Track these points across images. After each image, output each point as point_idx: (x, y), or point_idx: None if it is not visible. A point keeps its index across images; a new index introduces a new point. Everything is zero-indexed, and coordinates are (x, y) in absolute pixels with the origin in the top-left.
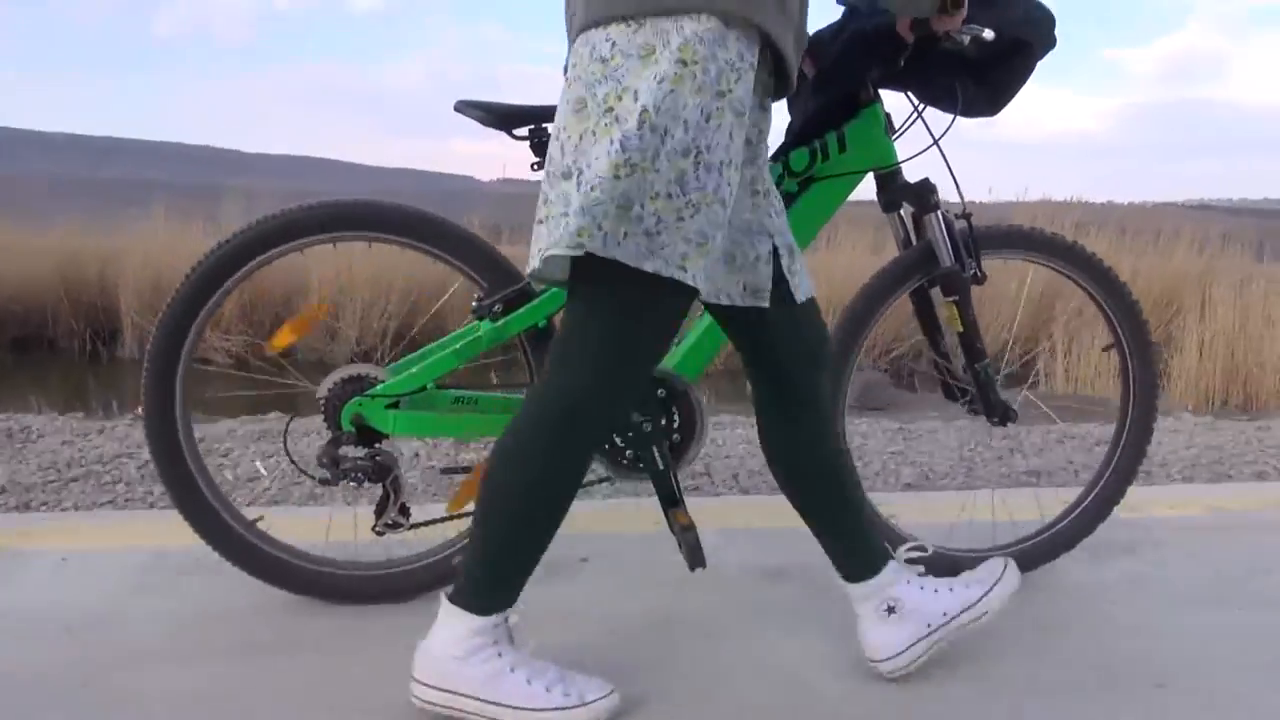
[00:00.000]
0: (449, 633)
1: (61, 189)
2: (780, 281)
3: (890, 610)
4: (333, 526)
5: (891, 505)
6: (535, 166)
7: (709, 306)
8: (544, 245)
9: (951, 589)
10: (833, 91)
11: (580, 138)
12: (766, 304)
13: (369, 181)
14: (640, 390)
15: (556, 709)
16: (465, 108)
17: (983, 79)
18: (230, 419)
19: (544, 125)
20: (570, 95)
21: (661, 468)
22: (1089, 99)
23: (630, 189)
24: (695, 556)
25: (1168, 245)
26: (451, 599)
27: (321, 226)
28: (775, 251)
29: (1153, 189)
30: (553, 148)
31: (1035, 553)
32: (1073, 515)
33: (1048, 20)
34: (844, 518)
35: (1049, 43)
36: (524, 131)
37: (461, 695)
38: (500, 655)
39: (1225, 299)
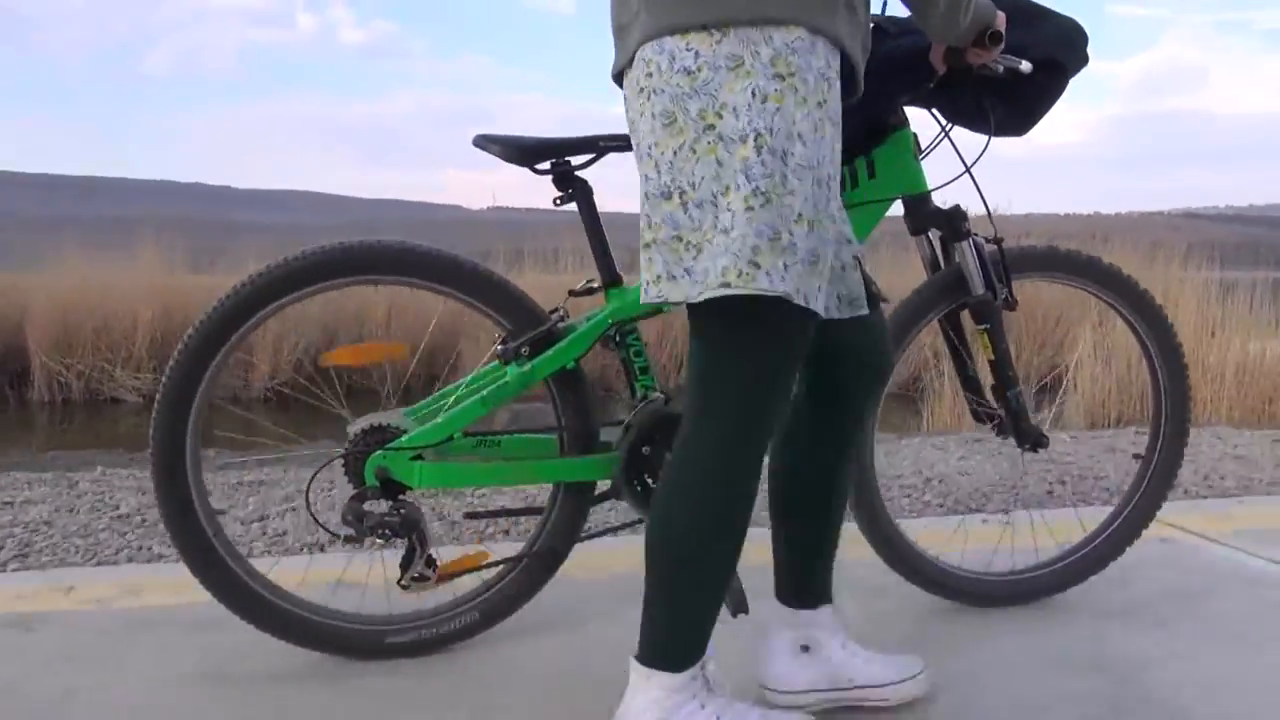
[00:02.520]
0: (646, 697)
1: (52, 225)
2: (868, 286)
3: (805, 649)
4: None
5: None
6: (558, 201)
7: None
8: (658, 273)
9: (870, 660)
10: (861, 116)
11: (675, 153)
12: (866, 310)
13: (360, 213)
14: (784, 418)
15: None
16: (485, 142)
17: (1012, 98)
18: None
19: (566, 159)
20: (654, 108)
21: None
22: (1070, 111)
23: (770, 218)
24: (739, 601)
25: (1149, 254)
26: (641, 660)
27: (333, 271)
28: (856, 258)
29: (1138, 199)
30: (644, 166)
31: (1066, 574)
32: (1103, 536)
33: (1081, 39)
34: (821, 540)
35: (1082, 61)
36: (545, 165)
37: None
38: (703, 707)
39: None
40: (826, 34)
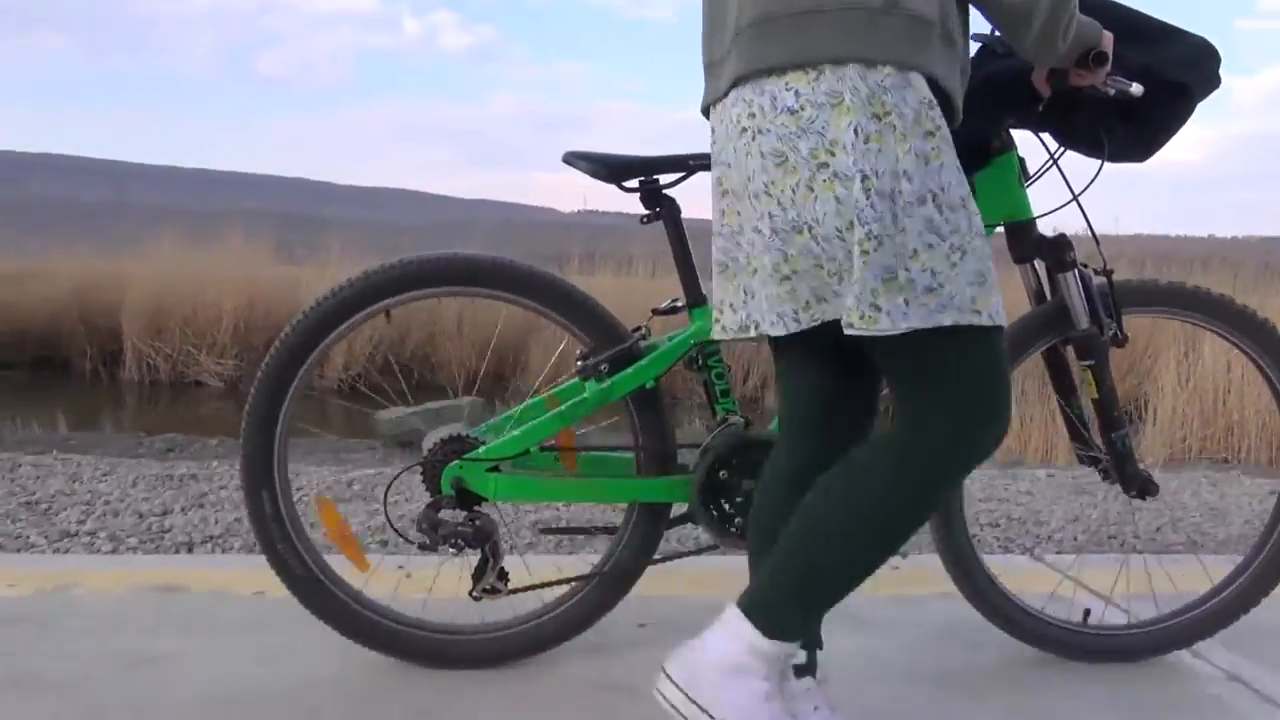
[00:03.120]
0: (725, 645)
1: (164, 216)
2: None
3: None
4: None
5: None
6: (645, 220)
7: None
8: (805, 299)
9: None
10: (964, 138)
11: (794, 191)
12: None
13: (452, 212)
14: (999, 440)
15: None
16: (574, 159)
17: (1133, 122)
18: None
19: (655, 177)
20: (764, 148)
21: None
22: (1192, 129)
23: (885, 259)
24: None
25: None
26: (743, 608)
27: (421, 281)
28: None
29: (1259, 223)
30: (763, 204)
31: (1181, 632)
32: (1227, 591)
33: (1211, 59)
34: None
35: (1212, 83)
36: (633, 183)
37: (707, 715)
38: (766, 679)
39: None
40: (919, 70)
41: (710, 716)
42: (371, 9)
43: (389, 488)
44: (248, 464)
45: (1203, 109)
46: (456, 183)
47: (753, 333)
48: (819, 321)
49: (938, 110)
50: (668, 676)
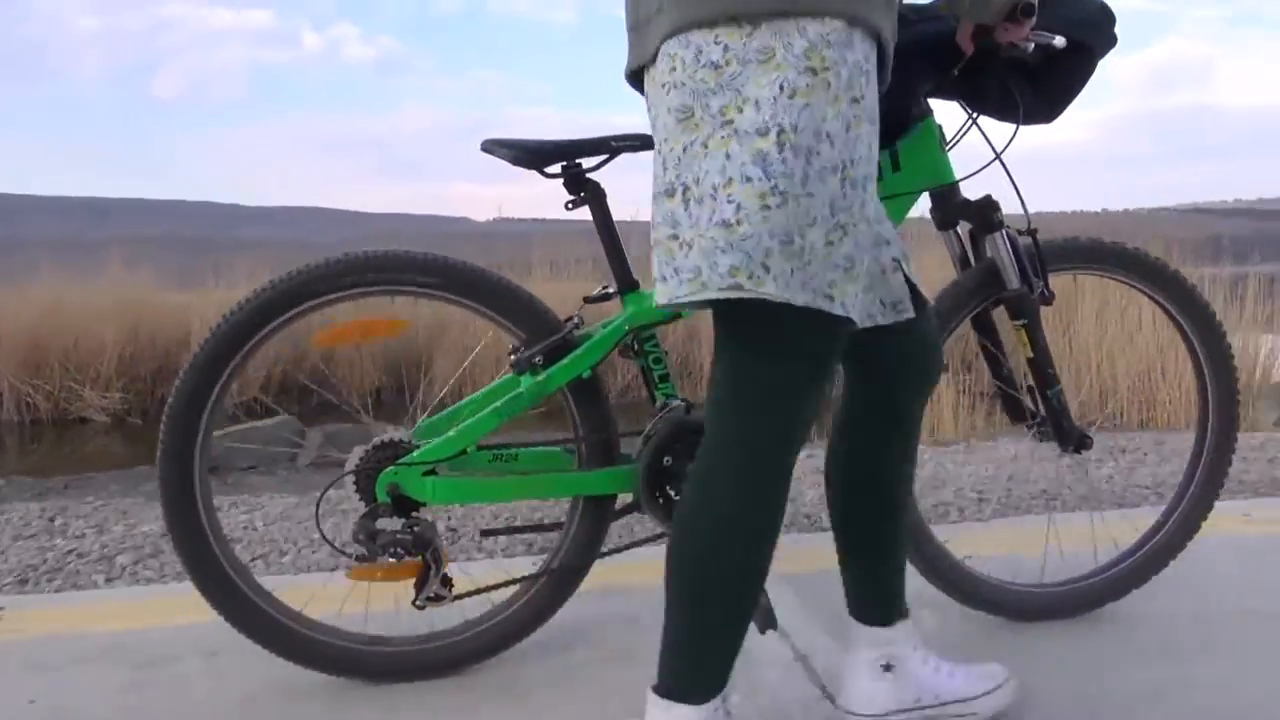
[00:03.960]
0: None
1: (54, 249)
2: (912, 290)
3: (887, 668)
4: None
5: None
6: (570, 205)
7: None
8: (660, 274)
9: (952, 674)
10: (884, 107)
11: (684, 149)
12: (911, 313)
13: (367, 227)
14: (808, 429)
15: None
16: (493, 146)
17: (1039, 84)
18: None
19: (577, 161)
20: (671, 103)
21: None
22: (1076, 109)
23: (784, 220)
24: (767, 618)
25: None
26: (659, 692)
27: (345, 281)
28: (896, 259)
29: (1145, 196)
30: (655, 164)
31: (1108, 585)
32: (1151, 543)
33: (1108, 20)
34: (886, 554)
35: (1110, 43)
36: (556, 169)
37: None
38: None
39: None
40: (864, 24)
41: None
42: (267, 24)
43: (320, 501)
44: (167, 484)
45: (1086, 90)
46: (370, 197)
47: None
48: (664, 300)
49: (866, 78)
50: None
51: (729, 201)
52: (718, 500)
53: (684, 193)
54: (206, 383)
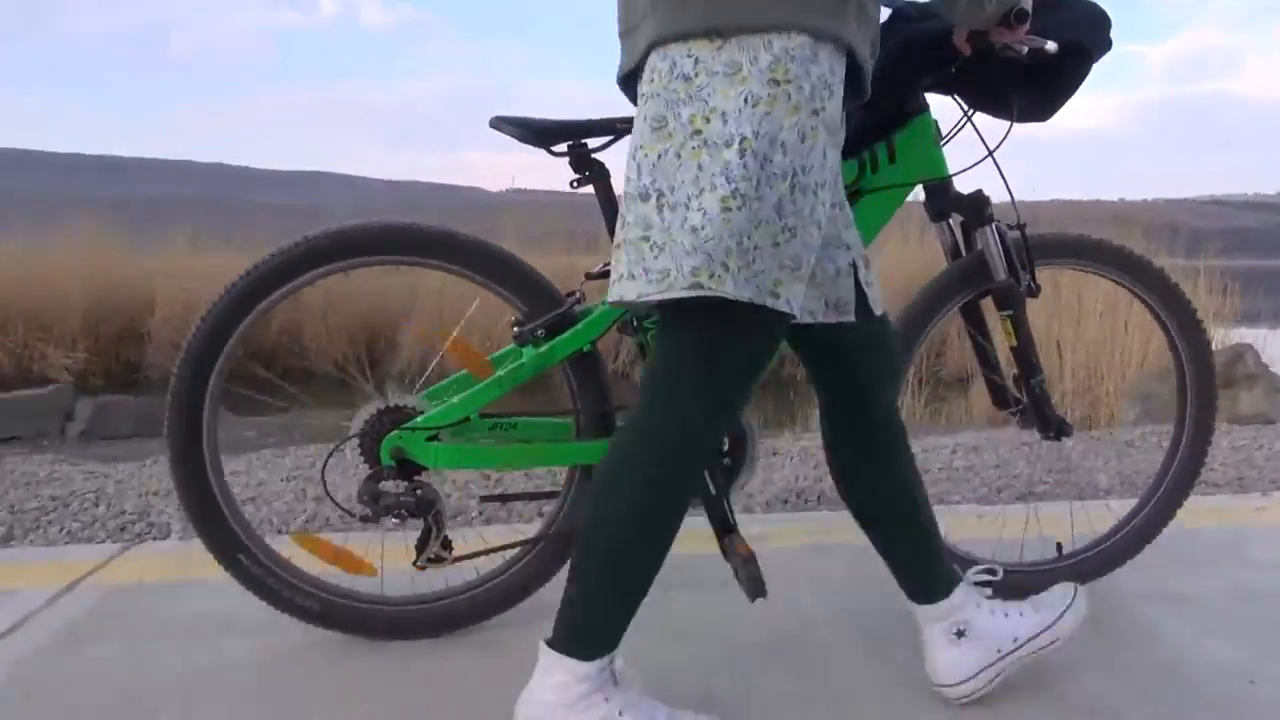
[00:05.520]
0: (551, 680)
1: (66, 208)
2: (859, 295)
3: (960, 634)
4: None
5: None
6: (575, 184)
7: None
8: (620, 272)
9: (1021, 613)
10: (880, 102)
11: (660, 157)
12: (852, 318)
13: (380, 194)
14: (736, 419)
15: None
16: (501, 123)
17: (1034, 84)
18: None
19: (583, 141)
20: (648, 112)
21: (714, 494)
22: (1100, 96)
23: (742, 223)
24: (757, 587)
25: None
26: (552, 645)
27: (348, 251)
28: (853, 264)
29: (1165, 186)
30: (629, 167)
31: (1086, 568)
32: (1127, 528)
33: (1104, 22)
34: (916, 537)
35: (1104, 46)
36: (562, 147)
37: None
38: (607, 700)
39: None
40: (833, 39)
41: None
42: None
43: (325, 463)
44: (176, 443)
45: (1111, 75)
46: (382, 164)
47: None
48: (617, 298)
49: (830, 91)
50: None
51: (699, 210)
52: (633, 484)
53: (659, 198)
54: (216, 341)
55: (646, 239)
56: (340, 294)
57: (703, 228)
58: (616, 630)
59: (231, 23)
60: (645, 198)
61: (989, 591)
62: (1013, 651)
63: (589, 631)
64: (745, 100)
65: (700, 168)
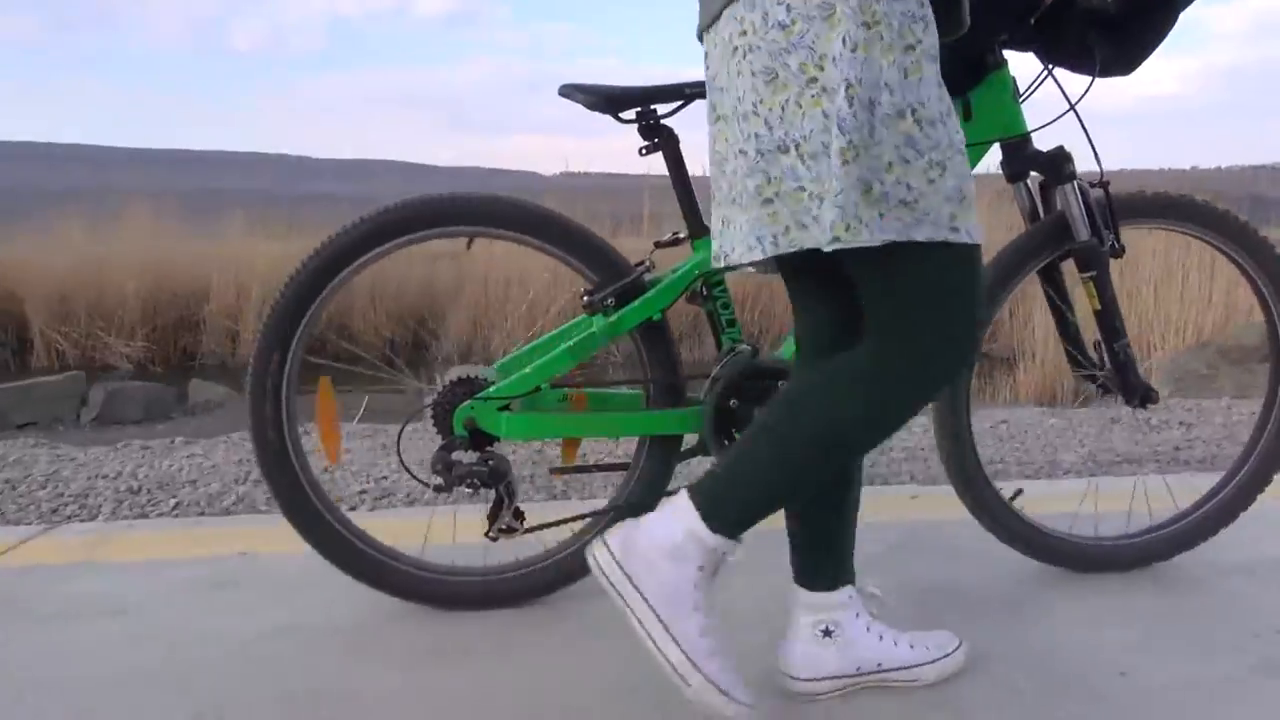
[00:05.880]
0: (668, 524)
1: (129, 201)
2: None
3: (827, 633)
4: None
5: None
6: (644, 151)
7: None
8: (785, 224)
9: (896, 642)
10: (957, 57)
11: (783, 108)
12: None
13: (436, 180)
14: (965, 362)
15: (714, 681)
16: (571, 91)
17: (1118, 35)
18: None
19: (652, 107)
20: (755, 66)
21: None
22: (1171, 60)
23: (862, 171)
24: None
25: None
26: (691, 492)
27: (419, 223)
28: None
29: (1241, 153)
30: (751, 125)
31: (1172, 540)
32: (1213, 502)
33: None
34: (839, 518)
35: None
36: (631, 115)
37: (635, 590)
38: (700, 569)
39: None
40: None
41: (635, 588)
42: None
43: (401, 431)
44: (257, 413)
45: (1180, 39)
46: (438, 150)
47: (722, 263)
48: (797, 248)
49: (922, 25)
50: (605, 543)
51: (829, 168)
52: (845, 399)
53: (797, 148)
54: (299, 308)
55: (803, 189)
56: (387, 280)
57: (833, 181)
58: (743, 523)
59: (292, 12)
60: (785, 150)
61: (875, 609)
62: (869, 674)
63: (724, 504)
64: (843, 42)
65: (825, 115)
